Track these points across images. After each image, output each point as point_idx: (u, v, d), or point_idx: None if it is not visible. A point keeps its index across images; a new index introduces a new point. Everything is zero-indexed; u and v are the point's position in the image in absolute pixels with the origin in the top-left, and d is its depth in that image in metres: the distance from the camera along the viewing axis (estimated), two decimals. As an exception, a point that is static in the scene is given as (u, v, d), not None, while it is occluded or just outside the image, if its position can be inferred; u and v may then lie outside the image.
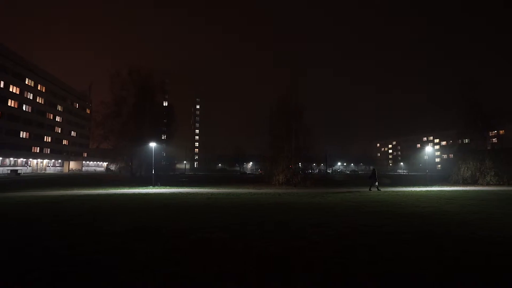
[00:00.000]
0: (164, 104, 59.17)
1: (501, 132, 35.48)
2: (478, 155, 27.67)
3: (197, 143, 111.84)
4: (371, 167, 22.95)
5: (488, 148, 29.30)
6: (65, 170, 72.26)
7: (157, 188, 20.59)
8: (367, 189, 19.25)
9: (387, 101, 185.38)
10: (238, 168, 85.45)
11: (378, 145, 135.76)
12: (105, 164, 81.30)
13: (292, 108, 27.56)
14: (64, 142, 75.21)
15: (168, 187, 21.74)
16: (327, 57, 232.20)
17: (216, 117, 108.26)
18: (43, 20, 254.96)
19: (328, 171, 74.19)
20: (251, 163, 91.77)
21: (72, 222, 8.12)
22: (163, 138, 47.10)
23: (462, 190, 19.23)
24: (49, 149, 67.59)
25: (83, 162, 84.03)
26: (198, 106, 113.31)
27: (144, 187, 20.96)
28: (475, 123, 28.27)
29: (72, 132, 79.33)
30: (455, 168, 29.09)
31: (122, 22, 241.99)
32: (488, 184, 25.41)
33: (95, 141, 42.97)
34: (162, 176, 32.76)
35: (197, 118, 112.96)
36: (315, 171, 50.32)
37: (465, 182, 26.66)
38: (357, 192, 18.16)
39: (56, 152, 70.47)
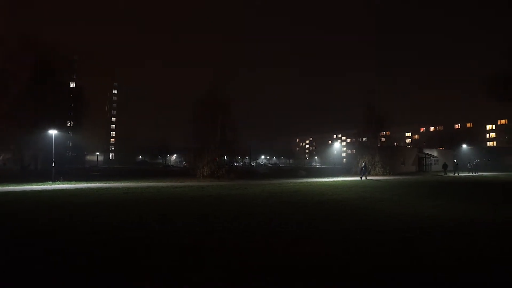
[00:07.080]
0: (72, 85, 50.76)
1: (388, 133, 43.86)
2: (371, 151, 33.68)
3: (114, 133, 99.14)
4: (364, 160, 25.80)
5: (378, 145, 35.96)
6: None
7: (58, 184, 17.61)
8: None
9: (309, 102, 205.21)
10: (161, 161, 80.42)
11: (297, 140, 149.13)
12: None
13: (218, 100, 27.45)
14: None
15: (74, 182, 18.84)
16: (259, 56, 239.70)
17: (137, 105, 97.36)
18: None
19: (252, 164, 77.46)
20: (175, 155, 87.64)
21: None
22: (69, 125, 40.44)
23: (359, 180, 23.07)
24: None
25: None
26: (115, 92, 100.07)
27: (40, 183, 17.58)
28: (370, 125, 34.33)
29: None
30: (355, 161, 34.69)
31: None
32: (377, 175, 31.21)
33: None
34: (66, 170, 28.28)
35: (114, 105, 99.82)
36: (240, 164, 51.85)
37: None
38: (277, 183, 19.61)
39: None
